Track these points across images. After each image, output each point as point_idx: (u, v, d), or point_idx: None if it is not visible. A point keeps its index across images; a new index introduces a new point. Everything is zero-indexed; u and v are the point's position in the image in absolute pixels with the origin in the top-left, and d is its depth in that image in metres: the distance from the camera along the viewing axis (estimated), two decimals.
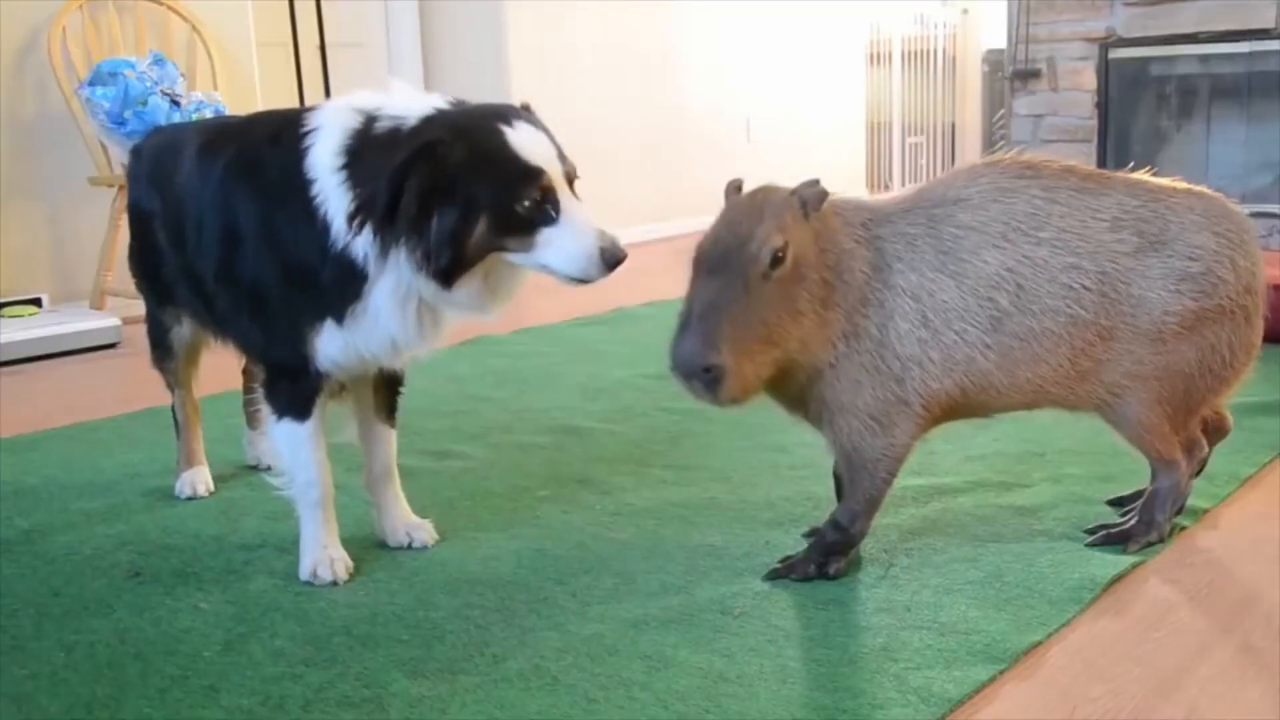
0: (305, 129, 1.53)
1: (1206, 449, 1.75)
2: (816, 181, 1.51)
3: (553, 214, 1.46)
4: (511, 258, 1.49)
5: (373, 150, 1.47)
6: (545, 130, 1.51)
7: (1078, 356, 1.55)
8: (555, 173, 1.46)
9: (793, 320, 1.46)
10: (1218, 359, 1.59)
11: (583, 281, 1.48)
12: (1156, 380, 1.58)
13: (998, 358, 1.54)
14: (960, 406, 1.58)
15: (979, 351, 1.53)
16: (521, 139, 1.46)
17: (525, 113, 1.52)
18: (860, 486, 1.58)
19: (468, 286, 1.49)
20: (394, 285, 1.51)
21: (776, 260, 1.43)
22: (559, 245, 1.46)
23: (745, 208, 1.48)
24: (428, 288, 1.48)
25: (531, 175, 1.44)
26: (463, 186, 1.43)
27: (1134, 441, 1.64)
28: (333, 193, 1.49)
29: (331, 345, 1.57)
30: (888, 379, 1.53)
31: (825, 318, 1.49)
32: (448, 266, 1.45)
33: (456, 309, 1.54)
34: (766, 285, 1.43)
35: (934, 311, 1.52)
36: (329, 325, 1.56)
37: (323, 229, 1.50)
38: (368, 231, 1.46)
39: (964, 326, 1.53)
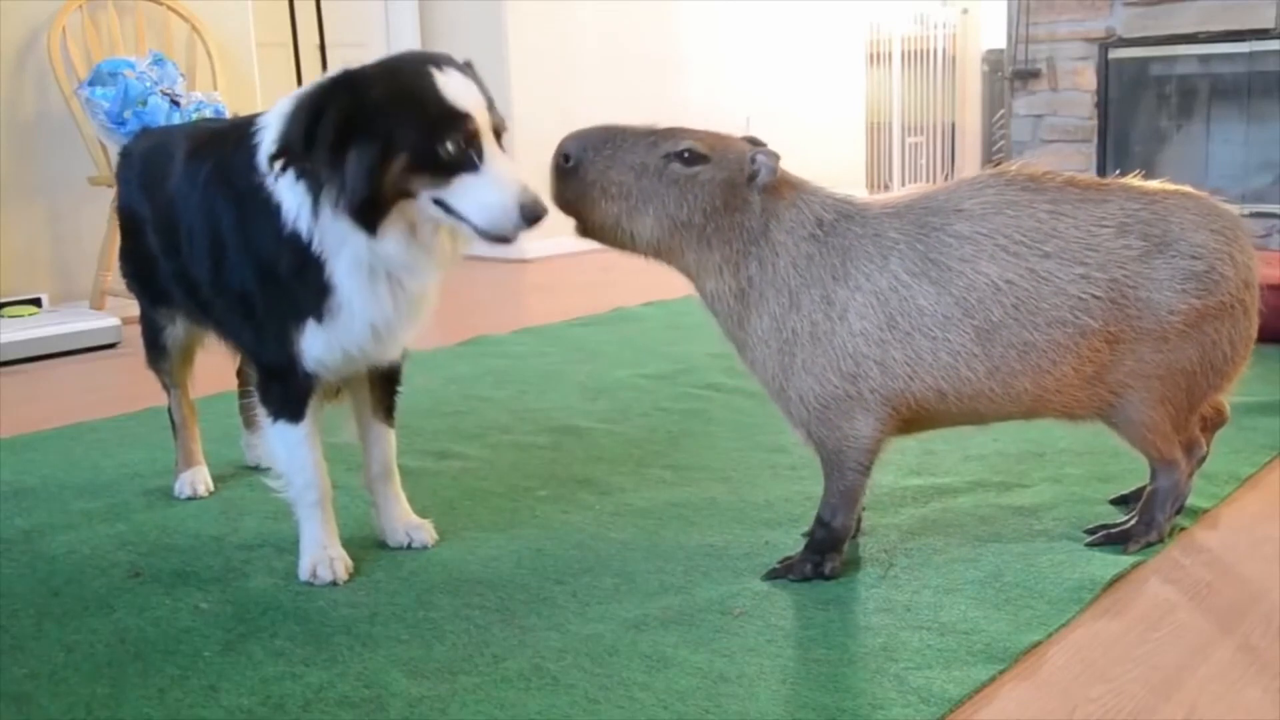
0: (253, 130, 1.55)
1: (1205, 448, 1.75)
2: (776, 157, 1.56)
3: (475, 161, 1.43)
4: (428, 206, 1.46)
5: None
6: (477, 81, 1.49)
7: (1083, 364, 1.55)
8: (482, 120, 1.44)
9: (656, 212, 1.54)
10: (1219, 355, 1.59)
11: (500, 239, 1.46)
12: (1159, 379, 1.58)
13: (988, 368, 1.53)
14: (944, 412, 1.58)
15: (963, 359, 1.52)
16: (450, 83, 1.44)
17: (458, 63, 1.50)
18: (832, 479, 1.60)
19: (394, 236, 1.47)
20: (351, 262, 1.50)
21: (685, 156, 1.53)
22: (476, 194, 1.43)
23: (709, 132, 1.59)
24: (357, 238, 1.47)
25: (457, 118, 1.42)
26: (383, 123, 1.41)
27: (1135, 442, 1.64)
28: (280, 180, 1.50)
29: (315, 344, 1.56)
30: (832, 373, 1.53)
31: (705, 258, 1.56)
32: (363, 204, 1.43)
33: (396, 265, 1.51)
34: (662, 167, 1.53)
35: (904, 314, 1.52)
36: (310, 325, 1.55)
37: (275, 214, 1.51)
38: (291, 175, 1.46)
39: (944, 334, 1.52)
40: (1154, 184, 1.63)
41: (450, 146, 1.42)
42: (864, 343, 1.52)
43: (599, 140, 1.56)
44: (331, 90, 1.42)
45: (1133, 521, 1.69)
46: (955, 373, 1.53)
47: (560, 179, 1.56)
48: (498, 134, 1.48)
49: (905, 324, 1.52)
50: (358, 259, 1.50)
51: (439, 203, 1.46)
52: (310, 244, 1.50)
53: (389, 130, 1.41)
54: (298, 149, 1.43)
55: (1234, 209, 1.64)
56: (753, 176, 1.55)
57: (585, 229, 1.59)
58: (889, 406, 1.54)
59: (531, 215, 1.43)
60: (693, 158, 1.54)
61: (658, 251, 1.58)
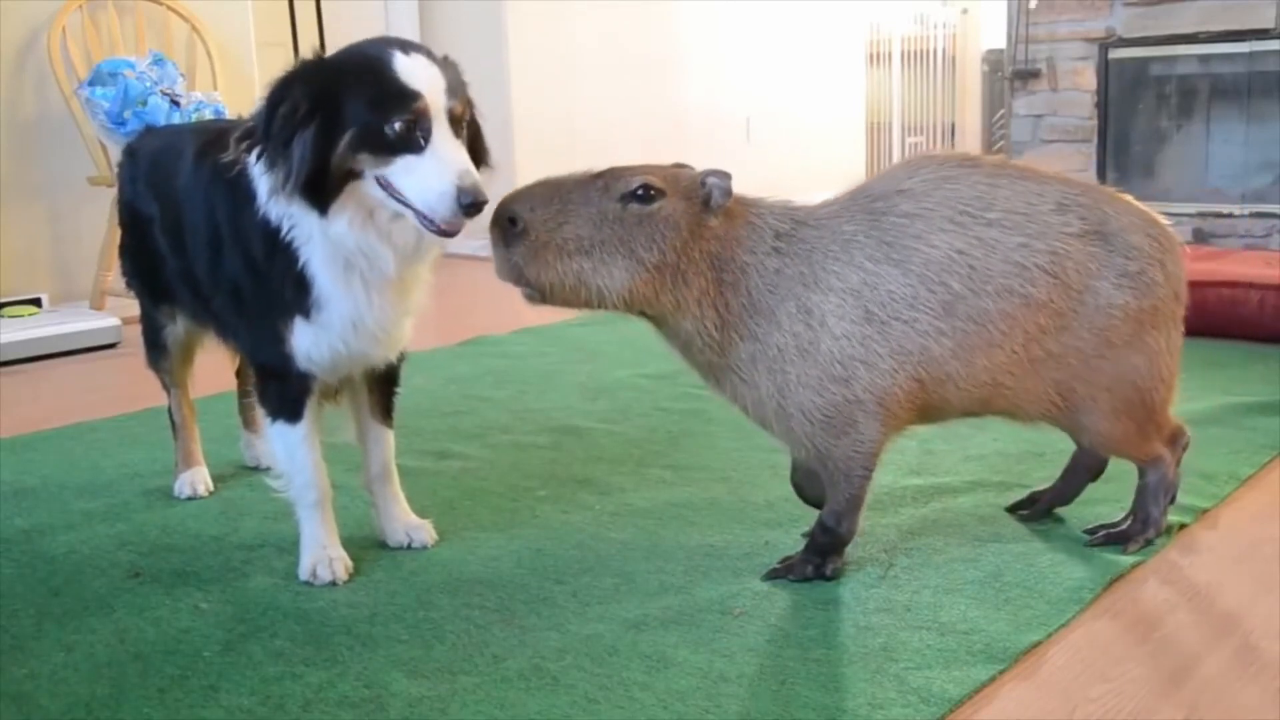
0: (246, 121, 1.56)
1: (1188, 435, 1.74)
2: (727, 176, 1.52)
3: (421, 143, 1.41)
4: (372, 188, 1.44)
5: None
6: (446, 66, 1.47)
7: (1030, 342, 1.54)
8: (435, 102, 1.42)
9: (625, 261, 1.47)
10: (1164, 366, 1.60)
11: (441, 231, 1.43)
12: (1108, 392, 1.58)
13: (953, 344, 1.52)
14: (927, 406, 1.57)
15: (933, 339, 1.52)
16: (407, 64, 1.42)
17: (428, 50, 1.48)
18: (839, 488, 1.58)
19: (345, 219, 1.45)
20: (325, 254, 1.50)
21: (639, 194, 1.47)
22: (417, 175, 1.40)
23: (649, 165, 1.54)
24: (322, 227, 1.46)
25: (405, 96, 1.41)
26: (335, 100, 1.41)
27: (1107, 451, 1.66)
28: (251, 164, 1.50)
29: (303, 341, 1.56)
30: (828, 382, 1.51)
31: (682, 297, 1.50)
32: (309, 181, 1.41)
33: (350, 250, 1.48)
34: (621, 211, 1.47)
35: (879, 304, 1.51)
36: (298, 321, 1.56)
37: (253, 200, 1.52)
38: (256, 155, 1.46)
39: (914, 314, 1.51)
40: (1099, 186, 1.65)
41: (397, 125, 1.40)
42: (848, 344, 1.51)
43: (544, 196, 1.47)
44: (293, 76, 1.43)
45: (1129, 521, 1.69)
46: (928, 354, 1.52)
47: (507, 245, 1.46)
48: (457, 121, 1.45)
49: (881, 313, 1.51)
50: (331, 251, 1.50)
51: (382, 182, 1.44)
52: (281, 231, 1.51)
53: (340, 107, 1.41)
54: (261, 133, 1.44)
55: (1168, 221, 1.65)
56: (707, 200, 1.51)
57: (542, 295, 1.49)
58: (883, 407, 1.54)
59: (470, 201, 1.39)
60: (649, 194, 1.48)
61: (629, 303, 1.49)
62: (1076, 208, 1.56)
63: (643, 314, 1.54)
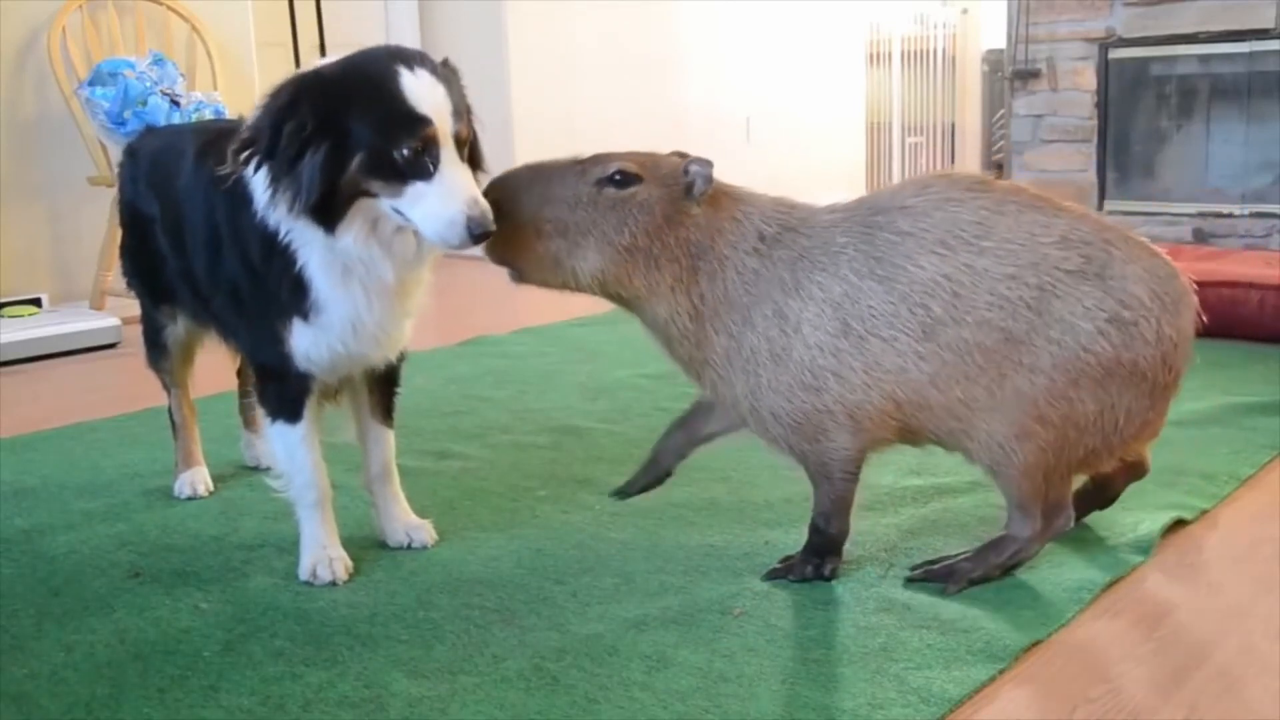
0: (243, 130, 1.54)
1: (1072, 522, 1.63)
2: (709, 164, 1.53)
3: (430, 169, 1.41)
4: (382, 204, 1.45)
5: None
6: (450, 83, 1.46)
7: (1004, 379, 1.48)
8: (443, 127, 1.42)
9: (597, 242, 1.50)
10: (1111, 421, 1.51)
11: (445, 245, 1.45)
12: (1055, 428, 1.50)
13: (932, 370, 1.49)
14: (906, 428, 1.54)
15: (911, 361, 1.49)
16: (415, 84, 1.41)
17: (432, 61, 1.47)
18: (821, 488, 1.59)
19: (353, 232, 1.45)
20: (321, 258, 1.50)
21: (616, 179, 1.50)
22: (426, 204, 1.41)
23: (635, 152, 1.56)
24: (313, 233, 1.46)
25: (414, 122, 1.40)
26: (342, 121, 1.40)
27: (1005, 477, 1.55)
28: (248, 172, 1.49)
29: (303, 342, 1.56)
30: (798, 389, 1.51)
31: (655, 281, 1.52)
32: (318, 203, 1.41)
33: (353, 260, 1.49)
34: (595, 194, 1.50)
35: (858, 318, 1.49)
36: (296, 323, 1.56)
37: (250, 205, 1.51)
38: (255, 167, 1.44)
39: (893, 334, 1.49)
40: (1114, 223, 1.57)
41: (406, 151, 1.40)
42: (820, 354, 1.50)
43: (525, 180, 1.51)
44: (298, 92, 1.41)
45: (962, 558, 1.60)
46: (906, 376, 1.50)
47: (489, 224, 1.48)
48: (462, 144, 1.45)
49: (859, 328, 1.50)
50: (330, 256, 1.50)
51: (391, 208, 1.45)
52: (279, 235, 1.50)
53: (347, 128, 1.40)
54: (261, 147, 1.43)
55: (1191, 286, 1.54)
56: (689, 188, 1.52)
57: (522, 275, 1.54)
58: (853, 420, 1.52)
59: (478, 229, 1.41)
60: (625, 179, 1.50)
61: (603, 284, 1.52)
62: (1081, 245, 1.49)
63: (619, 298, 1.55)
